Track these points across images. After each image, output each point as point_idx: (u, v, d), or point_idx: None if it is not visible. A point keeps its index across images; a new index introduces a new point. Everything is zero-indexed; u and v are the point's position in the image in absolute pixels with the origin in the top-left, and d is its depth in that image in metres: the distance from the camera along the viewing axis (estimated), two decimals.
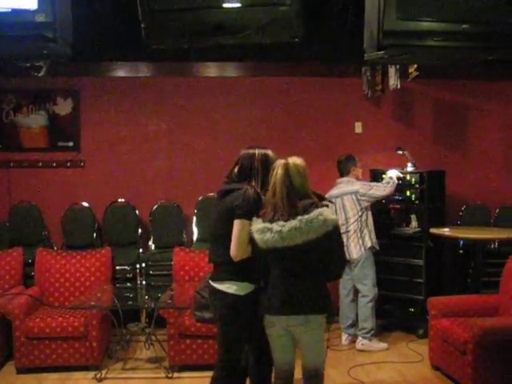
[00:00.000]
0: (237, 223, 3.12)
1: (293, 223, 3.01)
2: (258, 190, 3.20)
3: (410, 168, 5.82)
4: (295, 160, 3.19)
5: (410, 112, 6.63)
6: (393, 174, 5.34)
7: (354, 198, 5.20)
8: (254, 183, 3.23)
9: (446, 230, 5.60)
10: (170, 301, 4.81)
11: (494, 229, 6.16)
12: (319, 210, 3.05)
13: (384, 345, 5.28)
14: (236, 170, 3.33)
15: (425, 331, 5.20)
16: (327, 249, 3.09)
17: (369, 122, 6.56)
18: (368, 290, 5.25)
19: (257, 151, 3.31)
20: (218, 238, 3.31)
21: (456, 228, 5.94)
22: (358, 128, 6.56)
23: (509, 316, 4.45)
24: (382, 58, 3.10)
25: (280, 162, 3.17)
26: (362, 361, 4.96)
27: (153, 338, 4.97)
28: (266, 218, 3.09)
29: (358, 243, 5.19)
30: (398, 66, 5.49)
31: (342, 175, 5.40)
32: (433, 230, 5.51)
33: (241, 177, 3.29)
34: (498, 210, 6.51)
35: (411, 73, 5.43)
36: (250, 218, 3.11)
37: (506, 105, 6.67)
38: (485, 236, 5.58)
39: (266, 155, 3.31)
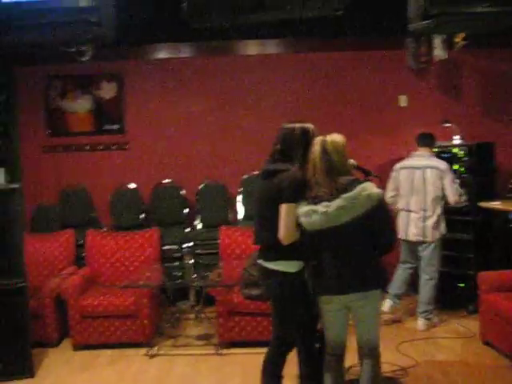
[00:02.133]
0: (284, 207, 3.09)
1: (337, 202, 2.99)
2: (300, 167, 3.15)
3: (457, 141, 5.69)
4: (334, 137, 3.14)
5: (457, 83, 6.44)
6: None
7: (437, 173, 5.01)
8: (295, 160, 3.17)
9: (497, 203, 5.45)
10: (217, 279, 4.86)
11: None
12: (362, 185, 3.02)
13: (437, 318, 5.25)
14: (278, 147, 3.26)
15: (475, 307, 5.12)
16: (375, 223, 3.06)
17: (414, 95, 6.41)
18: (435, 271, 5.14)
19: (297, 125, 3.25)
20: (264, 219, 3.27)
21: (507, 201, 5.78)
22: (404, 101, 6.42)
23: None
24: (428, 28, 3.00)
25: (318, 139, 3.13)
26: (410, 336, 4.93)
27: (202, 315, 5.07)
28: (311, 199, 3.07)
29: (436, 228, 5.05)
30: (444, 36, 5.33)
31: (422, 146, 5.20)
32: (482, 204, 5.38)
33: (283, 154, 3.23)
34: None
35: (458, 42, 5.26)
36: (296, 202, 3.08)
37: None
38: None
39: (306, 129, 3.24)
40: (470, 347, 4.68)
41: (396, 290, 5.29)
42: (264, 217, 3.27)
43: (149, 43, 5.82)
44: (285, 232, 3.10)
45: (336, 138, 3.14)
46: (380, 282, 3.19)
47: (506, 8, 2.92)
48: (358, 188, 3.00)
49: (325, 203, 3.01)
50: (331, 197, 3.02)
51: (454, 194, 5.00)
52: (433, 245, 5.10)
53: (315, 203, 3.04)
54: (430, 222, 5.03)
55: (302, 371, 3.33)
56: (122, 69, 6.50)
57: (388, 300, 5.32)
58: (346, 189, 3.01)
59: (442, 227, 5.10)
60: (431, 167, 5.05)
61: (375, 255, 3.16)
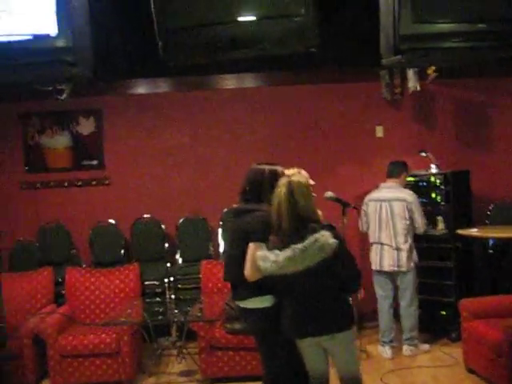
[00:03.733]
0: (252, 246, 3.12)
1: (287, 253, 2.93)
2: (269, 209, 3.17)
3: (433, 169, 5.77)
4: (299, 178, 3.12)
5: (431, 113, 6.57)
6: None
7: (404, 205, 5.08)
8: (265, 201, 3.20)
9: (475, 230, 5.52)
10: (199, 314, 4.83)
11: None
12: (315, 235, 2.92)
13: (427, 345, 5.26)
14: (247, 187, 3.31)
15: (457, 334, 5.13)
16: (334, 269, 3.00)
17: (390, 126, 6.52)
18: (413, 297, 5.17)
19: (266, 168, 3.30)
20: (233, 257, 3.31)
21: (485, 228, 5.86)
22: (380, 132, 6.52)
23: None
24: (399, 63, 3.08)
25: (283, 180, 3.09)
26: (394, 366, 4.91)
27: (184, 351, 5.00)
28: (271, 244, 3.05)
29: (410, 257, 5.09)
30: (416, 69, 5.46)
31: (389, 177, 5.26)
32: (460, 231, 5.45)
33: (252, 195, 3.27)
34: None
35: (430, 74, 5.39)
36: (265, 242, 3.09)
37: None
38: None
39: (275, 172, 3.28)
40: (453, 375, 4.68)
41: (388, 334, 5.21)
42: (233, 255, 3.31)
43: (127, 78, 5.85)
44: (250, 270, 3.12)
45: (301, 178, 3.12)
46: (346, 323, 3.11)
47: (475, 43, 3.00)
48: (311, 239, 2.92)
49: (276, 251, 2.97)
50: (283, 246, 2.96)
51: (423, 224, 5.10)
52: (408, 274, 5.14)
53: (270, 249, 3.03)
54: (404, 252, 5.07)
55: None
56: (101, 104, 6.52)
57: (387, 347, 5.20)
58: (301, 238, 2.94)
59: (415, 255, 5.16)
60: (398, 199, 5.11)
61: (340, 296, 3.12)
